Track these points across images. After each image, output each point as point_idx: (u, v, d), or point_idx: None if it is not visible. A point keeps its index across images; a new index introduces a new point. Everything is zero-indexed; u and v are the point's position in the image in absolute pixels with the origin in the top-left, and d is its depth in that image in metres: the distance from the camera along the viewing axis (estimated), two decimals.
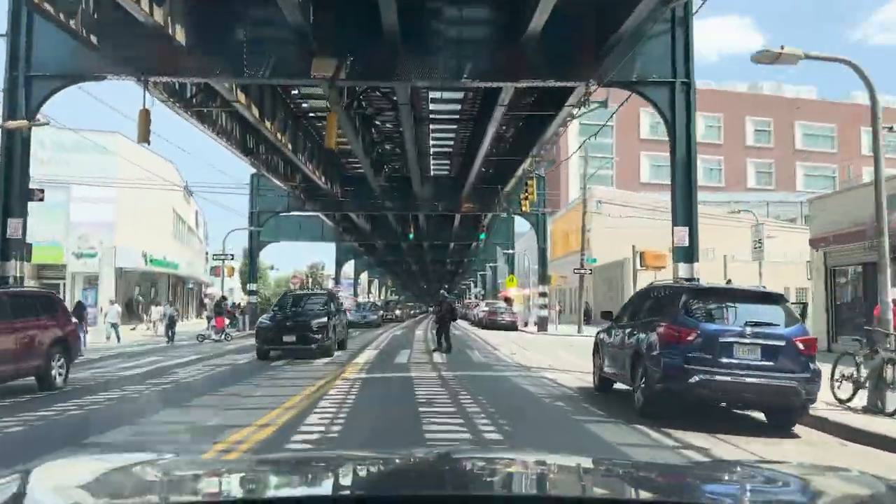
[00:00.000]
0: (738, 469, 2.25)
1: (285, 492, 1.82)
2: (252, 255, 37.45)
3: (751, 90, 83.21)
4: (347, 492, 1.83)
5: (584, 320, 43.32)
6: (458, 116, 28.39)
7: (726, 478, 2.01)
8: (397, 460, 2.17)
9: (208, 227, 67.57)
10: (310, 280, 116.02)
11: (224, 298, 30.62)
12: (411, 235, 37.68)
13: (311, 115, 28.49)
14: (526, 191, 30.77)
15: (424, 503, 1.56)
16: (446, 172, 37.88)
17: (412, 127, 25.05)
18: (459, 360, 18.60)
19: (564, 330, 36.41)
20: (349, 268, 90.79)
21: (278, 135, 25.70)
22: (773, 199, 59.12)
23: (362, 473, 2.00)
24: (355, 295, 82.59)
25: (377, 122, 27.88)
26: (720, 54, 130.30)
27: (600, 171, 78.33)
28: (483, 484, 1.89)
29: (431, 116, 27.82)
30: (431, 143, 32.80)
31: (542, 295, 36.97)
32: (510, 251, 50.07)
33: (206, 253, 74.18)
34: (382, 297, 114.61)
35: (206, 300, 57.08)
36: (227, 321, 27.09)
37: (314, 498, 1.68)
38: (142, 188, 31.71)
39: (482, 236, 38.39)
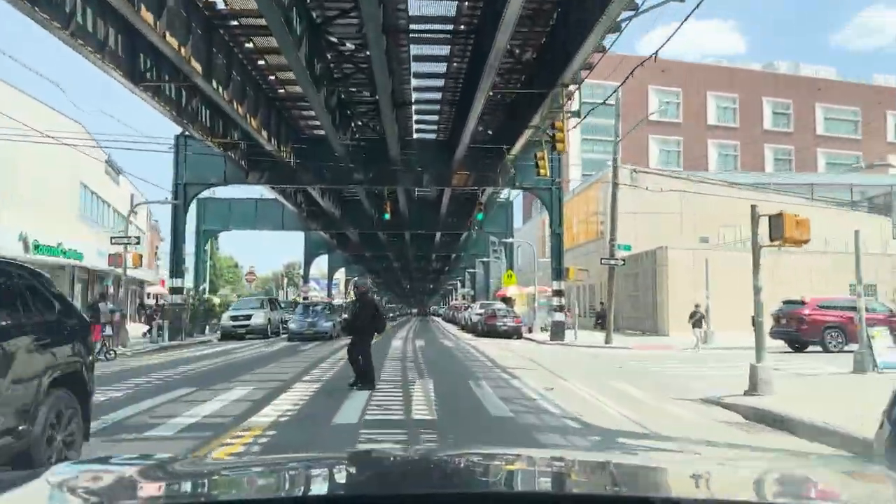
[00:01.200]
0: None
1: (285, 492, 1.80)
2: (177, 240, 28.46)
3: (766, 69, 75.85)
4: (343, 491, 1.81)
5: (597, 324, 34.99)
6: (449, 36, 19.82)
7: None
8: (394, 459, 2.24)
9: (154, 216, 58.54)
10: (285, 280, 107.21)
11: (102, 297, 21.70)
12: (387, 215, 29.04)
13: (253, 49, 19.94)
14: (553, 140, 21.95)
15: (422, 502, 1.51)
16: (433, 135, 29.28)
17: (382, 42, 16.47)
18: (461, 411, 9.93)
19: (584, 338, 27.95)
20: (323, 265, 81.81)
21: (193, 62, 17.03)
22: (820, 182, 50.91)
23: (360, 473, 1.98)
24: (329, 296, 73.75)
25: (333, 38, 19.16)
26: (704, 56, 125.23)
27: (603, 156, 70.31)
28: (480, 481, 1.87)
29: (413, 33, 19.22)
30: (414, 86, 24.18)
31: (558, 294, 28.44)
32: (509, 239, 41.50)
33: (157, 247, 65.00)
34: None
35: (150, 301, 47.62)
36: (107, 330, 18.23)
37: (312, 498, 1.67)
38: (23, 147, 22.67)
39: (479, 217, 29.89)
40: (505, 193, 44.71)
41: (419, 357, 19.84)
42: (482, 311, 35.02)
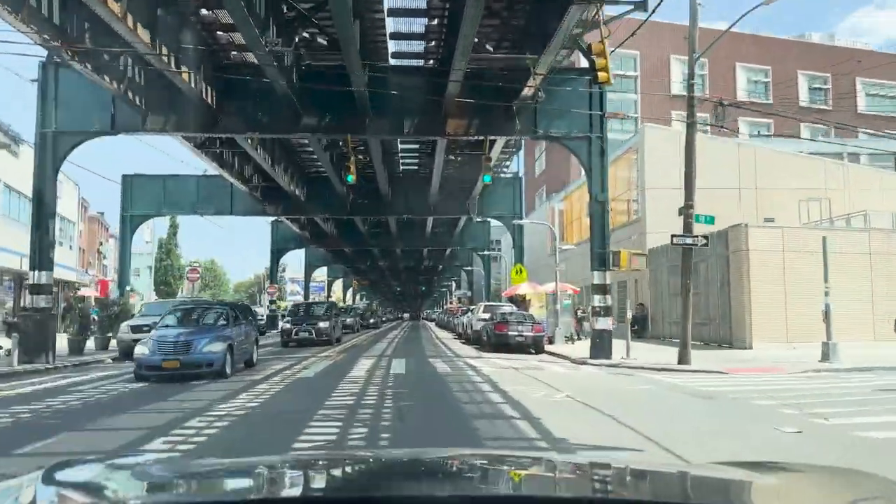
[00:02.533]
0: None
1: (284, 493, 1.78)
2: (41, 214, 19.01)
3: (799, 39, 67.68)
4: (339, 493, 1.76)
5: (633, 331, 26.00)
6: None
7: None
8: (385, 459, 2.27)
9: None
10: (265, 283, 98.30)
11: None
12: (350, 178, 19.98)
13: None
14: (594, 68, 13.47)
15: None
16: (419, 61, 20.26)
17: None
18: None
19: (639, 355, 18.97)
20: (297, 262, 72.49)
21: None
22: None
23: (358, 474, 1.98)
24: (306, 297, 64.63)
25: None
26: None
27: (620, 136, 61.80)
28: (471, 484, 1.83)
29: None
30: None
31: (601, 291, 19.34)
32: (523, 220, 32.56)
33: (101, 242, 55.52)
34: (351, 301, 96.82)
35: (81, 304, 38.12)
36: None
37: (310, 499, 1.65)
38: None
39: (487, 179, 20.86)
40: (510, 170, 35.75)
41: (385, 400, 10.82)
42: (488, 316, 25.97)
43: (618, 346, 18.81)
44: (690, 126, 17.75)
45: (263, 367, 16.73)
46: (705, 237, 18.02)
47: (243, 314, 16.17)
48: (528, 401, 10.64)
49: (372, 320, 55.18)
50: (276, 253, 49.60)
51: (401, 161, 32.45)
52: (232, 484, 1.84)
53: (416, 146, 29.44)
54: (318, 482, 1.87)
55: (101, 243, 53.63)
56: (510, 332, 22.73)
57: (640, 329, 30.11)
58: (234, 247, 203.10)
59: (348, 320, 39.89)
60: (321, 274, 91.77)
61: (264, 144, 25.53)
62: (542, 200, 59.17)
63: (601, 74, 12.95)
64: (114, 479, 1.82)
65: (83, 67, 16.53)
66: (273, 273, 49.99)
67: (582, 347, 23.90)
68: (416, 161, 32.27)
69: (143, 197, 34.19)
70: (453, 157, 30.29)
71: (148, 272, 61.97)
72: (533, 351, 23.03)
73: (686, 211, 17.57)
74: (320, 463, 2.19)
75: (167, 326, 14.29)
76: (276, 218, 44.10)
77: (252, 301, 73.62)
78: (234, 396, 11.23)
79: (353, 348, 26.04)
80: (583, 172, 49.33)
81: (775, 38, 64.82)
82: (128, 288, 33.43)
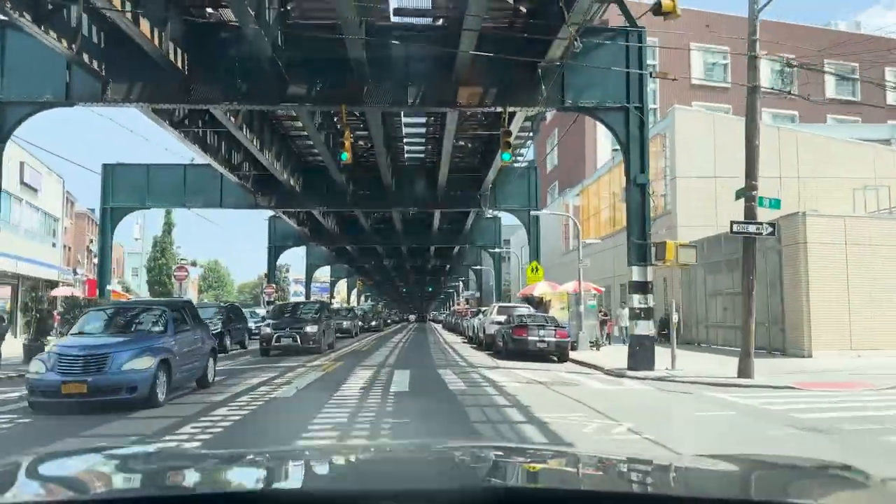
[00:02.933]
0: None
1: (283, 484, 1.73)
2: None
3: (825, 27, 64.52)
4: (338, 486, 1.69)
5: (660, 335, 23.15)
6: None
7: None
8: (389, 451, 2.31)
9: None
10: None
11: None
12: (344, 156, 16.91)
13: None
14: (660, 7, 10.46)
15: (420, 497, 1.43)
16: (426, 19, 17.27)
17: None
18: None
19: (685, 365, 15.93)
20: (301, 261, 69.33)
21: None
22: None
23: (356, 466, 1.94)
24: (307, 298, 61.77)
25: None
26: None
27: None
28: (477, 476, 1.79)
29: None
30: None
31: (641, 289, 16.27)
32: (542, 211, 29.59)
33: (91, 239, 52.68)
34: (355, 302, 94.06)
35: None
36: None
37: (309, 493, 1.58)
38: None
39: (506, 157, 17.75)
40: (525, 159, 32.72)
41: (379, 439, 7.81)
42: (503, 318, 22.95)
43: (617, 351, 15.66)
44: (752, 91, 14.73)
45: (232, 383, 13.62)
46: (771, 224, 14.95)
47: (191, 316, 12.05)
48: (581, 439, 7.63)
49: (374, 322, 51.48)
50: (275, 250, 46.66)
51: (405, 148, 29.50)
52: (230, 475, 1.76)
53: (423, 129, 26.49)
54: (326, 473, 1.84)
55: (90, 241, 50.78)
56: (531, 338, 19.70)
57: (666, 334, 27.04)
58: (237, 247, 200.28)
59: (345, 323, 36.22)
60: (325, 274, 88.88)
61: (251, 125, 22.61)
62: (555, 196, 56.08)
63: (666, 2, 9.89)
64: (101, 470, 1.75)
65: (22, 19, 13.62)
66: (271, 272, 47.05)
67: (610, 354, 20.89)
68: (422, 148, 29.31)
69: (125, 188, 31.33)
70: (463, 143, 27.33)
71: (144, 272, 59.13)
72: (556, 359, 20.02)
73: (748, 193, 14.54)
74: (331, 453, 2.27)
75: (81, 334, 10.40)
76: (273, 213, 41.26)
77: (256, 302, 70.65)
78: (161, 435, 8.12)
79: (350, 355, 23.04)
80: (600, 164, 46.26)
81: (800, 26, 61.67)
82: (109, 287, 30.58)
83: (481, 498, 1.43)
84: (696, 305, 26.69)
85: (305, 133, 25.27)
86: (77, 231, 48.75)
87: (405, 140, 28.42)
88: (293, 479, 1.77)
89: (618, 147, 50.38)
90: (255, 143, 23.69)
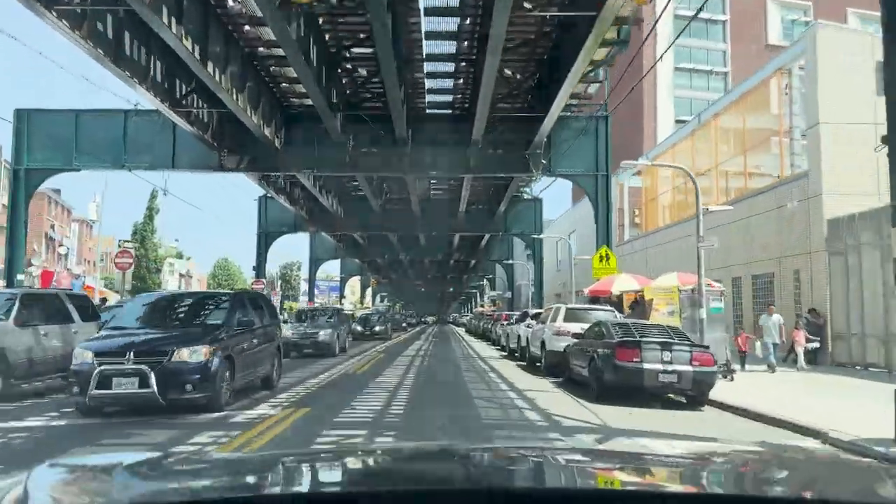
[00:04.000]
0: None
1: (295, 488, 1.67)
2: None
3: None
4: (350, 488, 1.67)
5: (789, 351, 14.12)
6: None
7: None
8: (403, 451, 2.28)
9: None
10: (279, 284, 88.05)
11: None
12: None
13: None
14: None
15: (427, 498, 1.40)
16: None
17: None
18: None
19: None
20: (331, 266, 60.97)
21: None
22: None
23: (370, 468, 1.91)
24: (310, 296, 53.67)
25: None
26: None
27: (706, 95, 49.55)
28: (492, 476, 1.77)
29: None
30: None
31: None
32: (624, 169, 20.93)
33: (52, 226, 44.48)
34: (374, 306, 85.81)
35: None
36: None
37: (316, 495, 1.55)
38: None
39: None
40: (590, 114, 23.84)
41: None
42: (577, 327, 14.25)
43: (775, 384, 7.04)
44: None
45: None
46: None
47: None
48: None
49: (378, 328, 37.69)
50: (265, 237, 38.31)
51: (426, 85, 20.87)
52: (243, 479, 1.71)
53: (454, 42, 17.77)
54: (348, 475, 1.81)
55: (52, 227, 42.67)
56: (648, 366, 10.98)
57: (819, 344, 18.19)
58: (242, 244, 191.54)
59: (320, 334, 22.82)
60: (335, 272, 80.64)
61: (193, 32, 14.12)
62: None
63: None
64: (106, 478, 1.70)
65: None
66: (260, 264, 38.65)
67: (766, 391, 12.22)
68: (450, 84, 20.68)
69: (45, 142, 23.10)
70: (511, 71, 18.67)
71: (107, 261, 51.01)
72: (688, 401, 11.36)
73: None
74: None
75: None
76: (264, 193, 33.06)
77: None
78: None
79: (310, 400, 14.34)
80: (660, 138, 37.14)
81: None
82: (19, 277, 22.38)
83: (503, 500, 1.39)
84: (861, 308, 17.88)
85: (285, 56, 16.67)
86: (32, 212, 40.70)
87: (426, 71, 19.73)
88: (305, 482, 1.72)
89: (682, 118, 41.44)
90: (214, 71, 15.33)
